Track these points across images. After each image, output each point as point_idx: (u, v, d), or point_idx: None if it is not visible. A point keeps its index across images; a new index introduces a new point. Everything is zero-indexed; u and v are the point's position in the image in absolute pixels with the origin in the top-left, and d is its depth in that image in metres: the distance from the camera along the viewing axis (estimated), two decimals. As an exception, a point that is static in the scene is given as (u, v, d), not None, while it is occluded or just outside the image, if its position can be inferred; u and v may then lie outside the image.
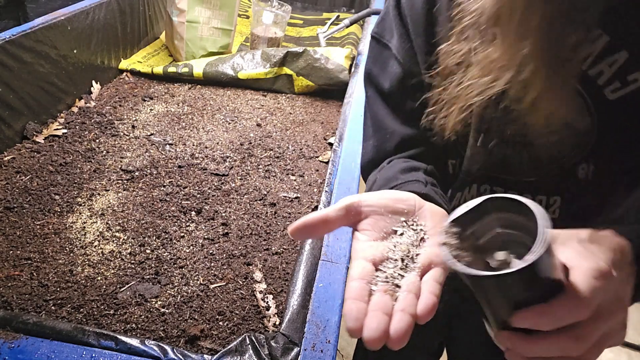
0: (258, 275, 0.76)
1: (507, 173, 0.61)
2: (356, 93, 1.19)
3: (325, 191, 0.88)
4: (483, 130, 0.57)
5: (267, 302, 0.71)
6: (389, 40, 0.63)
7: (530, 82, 0.46)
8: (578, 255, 0.37)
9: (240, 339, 0.59)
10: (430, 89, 0.58)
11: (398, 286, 0.38)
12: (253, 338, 0.59)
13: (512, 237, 0.39)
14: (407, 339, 0.35)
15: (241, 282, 0.75)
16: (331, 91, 1.41)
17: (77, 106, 1.21)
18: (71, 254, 0.77)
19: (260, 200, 0.95)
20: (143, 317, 0.67)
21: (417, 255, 0.41)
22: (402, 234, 0.43)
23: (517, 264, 0.34)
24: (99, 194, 0.92)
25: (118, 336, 0.57)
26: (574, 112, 0.49)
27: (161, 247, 0.80)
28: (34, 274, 0.72)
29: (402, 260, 0.40)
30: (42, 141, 1.05)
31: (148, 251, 0.79)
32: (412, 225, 0.43)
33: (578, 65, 0.49)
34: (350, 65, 1.38)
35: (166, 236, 0.83)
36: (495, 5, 0.45)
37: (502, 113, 0.53)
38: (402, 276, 0.39)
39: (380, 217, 0.43)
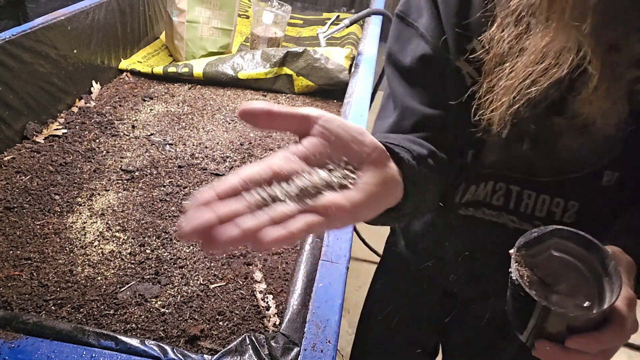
0: (258, 275, 0.76)
1: (525, 172, 0.60)
2: (356, 93, 1.19)
3: (325, 191, 0.87)
4: (510, 123, 0.54)
5: (267, 302, 0.71)
6: (415, 19, 0.61)
7: (592, 65, 0.44)
8: None
9: (240, 339, 0.59)
10: (467, 79, 0.56)
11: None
12: (253, 338, 0.59)
13: (566, 261, 0.45)
14: (221, 249, 0.33)
15: (241, 282, 0.75)
16: (331, 91, 1.41)
17: (77, 106, 1.21)
18: (71, 254, 0.77)
19: (260, 200, 0.95)
20: (143, 317, 0.67)
21: (322, 195, 0.37)
22: (330, 171, 0.38)
23: (586, 305, 0.42)
24: (99, 194, 0.92)
25: (118, 336, 0.57)
26: (618, 110, 0.47)
27: (161, 247, 0.80)
28: (34, 274, 0.72)
29: (302, 190, 0.36)
30: (42, 141, 1.05)
31: (148, 251, 0.79)
32: (348, 169, 0.39)
33: (629, 59, 0.45)
34: (350, 65, 1.38)
35: (166, 236, 0.83)
36: None
37: (535, 107, 0.51)
38: (284, 202, 0.35)
39: (326, 144, 0.39)
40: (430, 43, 0.59)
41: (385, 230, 0.95)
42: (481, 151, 0.61)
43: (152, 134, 1.13)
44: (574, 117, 0.50)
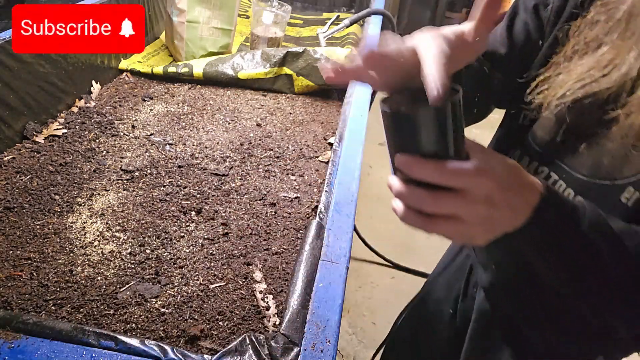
0: (258, 275, 0.76)
1: (561, 159, 0.61)
2: (356, 93, 1.19)
3: (325, 191, 0.87)
4: (569, 117, 0.57)
5: (267, 302, 0.71)
6: None
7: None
8: (484, 150, 0.42)
9: (240, 339, 0.59)
10: (545, 62, 0.60)
11: None
12: (253, 338, 0.59)
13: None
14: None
15: (241, 282, 0.75)
16: (331, 91, 1.41)
17: (77, 106, 1.21)
18: (71, 254, 0.77)
19: (260, 200, 0.95)
20: (143, 317, 0.67)
21: None
22: None
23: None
24: (99, 194, 0.92)
25: (118, 336, 0.57)
26: None
27: (161, 247, 0.80)
28: (34, 274, 0.72)
29: None
30: (42, 141, 1.05)
31: (148, 251, 0.79)
32: None
33: None
34: (350, 65, 1.38)
35: (166, 236, 0.83)
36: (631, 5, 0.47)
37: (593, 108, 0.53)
38: None
39: None
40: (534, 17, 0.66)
41: (384, 230, 0.95)
42: (534, 120, 0.64)
43: (152, 134, 1.13)
44: (625, 121, 0.51)
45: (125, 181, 0.96)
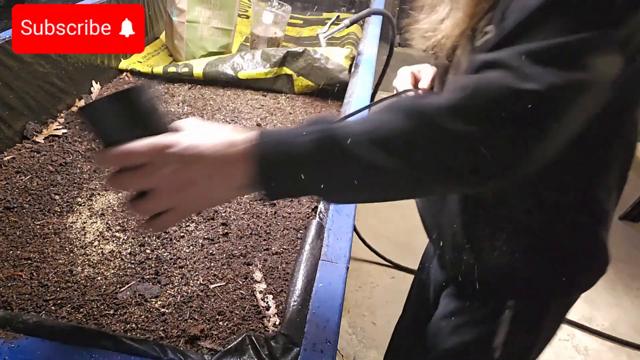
0: (258, 275, 0.76)
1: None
2: (356, 93, 1.19)
3: (325, 191, 0.87)
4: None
5: (267, 302, 0.71)
6: None
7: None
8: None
9: (240, 339, 0.59)
10: None
11: None
12: (253, 338, 0.59)
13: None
14: None
15: (241, 282, 0.75)
16: (331, 91, 1.41)
17: (77, 106, 1.21)
18: (71, 254, 0.77)
19: (260, 200, 0.95)
20: (143, 317, 0.67)
21: None
22: None
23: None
24: (99, 194, 0.92)
25: (118, 336, 0.57)
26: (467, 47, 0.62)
27: (161, 247, 0.80)
28: (34, 274, 0.72)
29: None
30: (42, 141, 1.05)
31: (148, 251, 0.79)
32: None
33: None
34: (350, 65, 1.38)
35: (166, 236, 0.83)
36: None
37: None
38: None
39: None
40: None
41: (384, 230, 0.96)
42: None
43: (152, 134, 1.13)
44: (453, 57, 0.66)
45: (125, 181, 0.96)
